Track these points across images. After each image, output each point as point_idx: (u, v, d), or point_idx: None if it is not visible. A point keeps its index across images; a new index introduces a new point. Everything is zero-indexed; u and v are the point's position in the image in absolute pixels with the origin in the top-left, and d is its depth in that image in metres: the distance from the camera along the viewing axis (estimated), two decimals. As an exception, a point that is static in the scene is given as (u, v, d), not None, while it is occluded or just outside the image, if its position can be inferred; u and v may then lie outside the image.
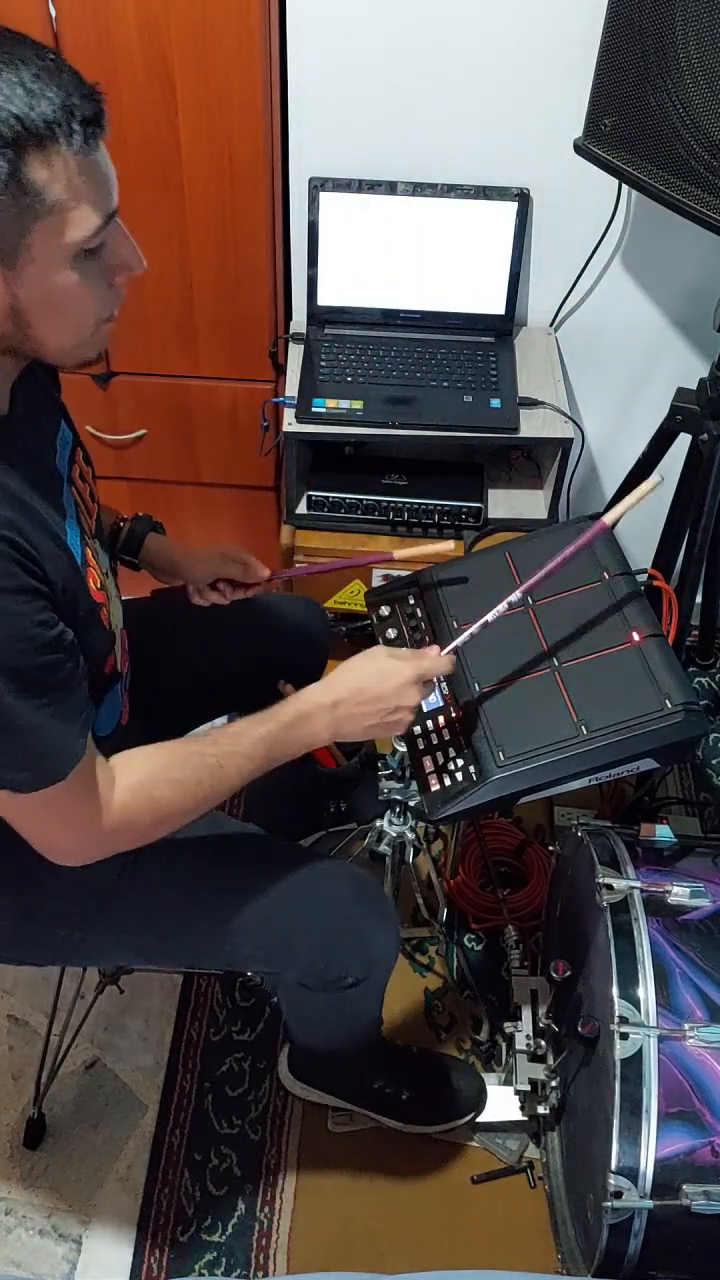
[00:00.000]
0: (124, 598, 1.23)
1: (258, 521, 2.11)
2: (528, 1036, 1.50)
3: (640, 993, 1.18)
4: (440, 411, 1.76)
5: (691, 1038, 1.16)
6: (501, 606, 1.22)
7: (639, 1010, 1.17)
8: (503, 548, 1.45)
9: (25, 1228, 1.49)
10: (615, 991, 1.18)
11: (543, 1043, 1.49)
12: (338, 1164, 1.53)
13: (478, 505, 1.84)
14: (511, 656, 1.31)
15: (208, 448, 2.01)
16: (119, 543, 1.36)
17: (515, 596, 1.23)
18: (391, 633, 1.40)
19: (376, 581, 1.87)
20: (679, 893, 1.26)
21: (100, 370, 1.90)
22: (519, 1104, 1.51)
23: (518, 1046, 1.49)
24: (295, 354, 1.85)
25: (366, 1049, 1.45)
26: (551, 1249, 1.41)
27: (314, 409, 1.75)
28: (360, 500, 1.85)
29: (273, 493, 2.07)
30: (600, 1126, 1.19)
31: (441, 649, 1.21)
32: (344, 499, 1.85)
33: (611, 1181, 1.12)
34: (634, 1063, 1.14)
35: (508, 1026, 1.53)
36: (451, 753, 1.25)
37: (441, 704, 1.31)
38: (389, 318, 1.86)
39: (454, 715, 1.29)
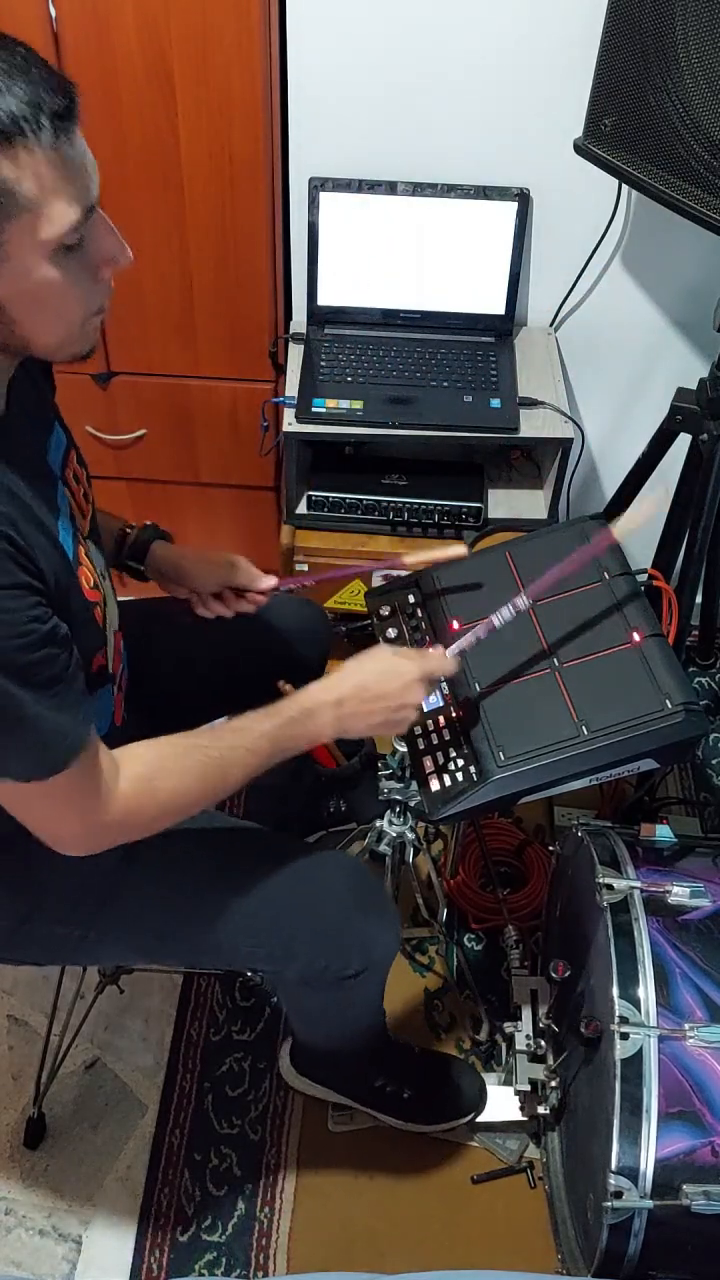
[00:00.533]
0: (125, 598, 1.23)
1: (258, 521, 2.11)
2: (528, 1036, 1.50)
3: (640, 993, 1.18)
4: (440, 411, 1.76)
5: (691, 1038, 1.16)
6: (507, 611, 1.22)
7: (639, 1010, 1.17)
8: (503, 548, 1.45)
9: (25, 1228, 1.49)
10: (615, 991, 1.18)
11: (543, 1043, 1.49)
12: (338, 1164, 1.53)
13: (478, 505, 1.84)
14: (512, 656, 1.31)
15: (208, 448, 2.01)
16: (125, 551, 1.35)
17: (522, 602, 1.23)
18: (392, 632, 1.40)
19: (377, 581, 1.87)
20: (679, 893, 1.26)
21: (100, 370, 1.90)
22: (519, 1104, 1.51)
23: (518, 1046, 1.49)
24: (295, 354, 1.85)
25: (368, 1045, 1.45)
26: (551, 1249, 1.41)
27: (314, 409, 1.75)
28: (360, 500, 1.85)
29: (273, 493, 2.07)
30: (600, 1126, 1.19)
31: (446, 649, 1.21)
32: (344, 499, 1.85)
33: (611, 1181, 1.12)
34: (634, 1063, 1.14)
35: (508, 1026, 1.53)
36: (452, 753, 1.25)
37: (442, 704, 1.31)
38: (389, 318, 1.86)
39: (454, 715, 1.29)
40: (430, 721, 1.29)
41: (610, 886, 1.26)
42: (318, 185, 1.74)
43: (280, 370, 1.88)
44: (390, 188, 1.74)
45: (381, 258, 1.80)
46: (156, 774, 1.03)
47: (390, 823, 1.54)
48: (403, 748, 1.36)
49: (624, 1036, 1.15)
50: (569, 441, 1.78)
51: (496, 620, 1.23)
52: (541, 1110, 1.45)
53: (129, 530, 1.36)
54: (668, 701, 1.22)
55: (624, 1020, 1.16)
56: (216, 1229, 1.49)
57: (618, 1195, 1.12)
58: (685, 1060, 1.15)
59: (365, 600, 1.48)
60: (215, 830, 1.25)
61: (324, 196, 1.74)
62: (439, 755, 1.26)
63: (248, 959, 1.25)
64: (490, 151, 1.71)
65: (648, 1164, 1.12)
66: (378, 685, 1.13)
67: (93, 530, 1.10)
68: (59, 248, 0.83)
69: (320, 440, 1.82)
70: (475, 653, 1.32)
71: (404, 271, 1.81)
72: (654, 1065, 1.14)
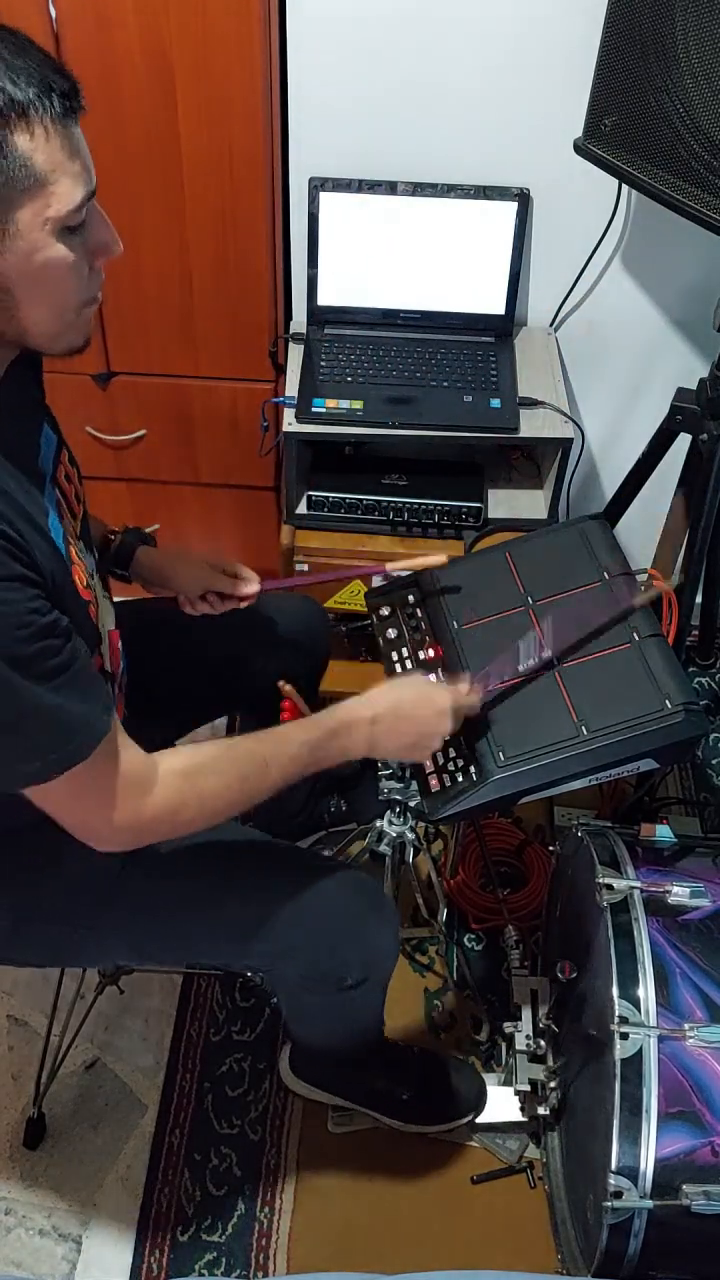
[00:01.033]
0: (126, 598, 1.23)
1: (258, 521, 2.11)
2: (528, 1036, 1.49)
3: (640, 993, 1.18)
4: (440, 411, 1.76)
5: (691, 1038, 1.16)
6: (533, 660, 1.25)
7: (639, 1010, 1.17)
8: (503, 548, 1.45)
9: (25, 1228, 1.49)
10: (615, 991, 1.18)
11: (543, 1043, 1.49)
12: (338, 1164, 1.53)
13: (478, 505, 1.84)
14: (511, 656, 1.31)
15: (208, 448, 2.01)
16: (109, 557, 1.35)
17: (549, 654, 1.25)
18: (391, 633, 1.40)
19: (376, 581, 1.87)
20: (679, 893, 1.26)
21: (100, 370, 1.90)
22: (519, 1104, 1.51)
23: (518, 1046, 1.49)
24: (295, 354, 1.85)
25: (367, 1049, 1.45)
26: (551, 1249, 1.41)
27: (314, 409, 1.75)
28: (360, 500, 1.84)
29: (273, 493, 2.07)
30: (600, 1126, 1.19)
31: (472, 678, 1.23)
32: (344, 499, 1.85)
33: (611, 1181, 1.12)
34: (634, 1063, 1.14)
35: (508, 1026, 1.53)
36: (451, 753, 1.25)
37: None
38: (389, 318, 1.86)
39: (454, 715, 1.29)
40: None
41: (610, 886, 1.26)
42: (318, 185, 1.74)
43: (280, 370, 1.88)
44: (390, 188, 1.73)
45: (381, 258, 1.80)
46: (198, 771, 1.03)
47: (390, 823, 1.54)
48: (405, 757, 1.36)
49: (624, 1036, 1.15)
50: (569, 441, 1.77)
51: (522, 667, 1.25)
52: (541, 1110, 1.45)
53: (112, 536, 1.36)
54: (668, 701, 1.22)
55: (624, 1020, 1.16)
56: (216, 1229, 1.49)
57: (618, 1195, 1.12)
58: (685, 1060, 1.15)
59: (365, 600, 1.48)
60: (215, 836, 1.25)
61: (324, 196, 1.74)
62: (439, 755, 1.26)
63: (247, 960, 1.26)
64: (490, 151, 1.71)
65: (648, 1164, 1.12)
66: (412, 709, 1.16)
67: (83, 530, 1.10)
68: (64, 227, 0.85)
69: (320, 440, 1.82)
70: (475, 653, 1.33)
71: (404, 271, 1.81)
72: (654, 1065, 1.14)
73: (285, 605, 1.54)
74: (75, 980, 1.66)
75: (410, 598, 1.43)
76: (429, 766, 1.26)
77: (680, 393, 1.55)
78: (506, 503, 1.90)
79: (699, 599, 1.92)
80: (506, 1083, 1.52)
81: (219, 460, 2.02)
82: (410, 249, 1.78)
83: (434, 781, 1.24)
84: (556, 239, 1.79)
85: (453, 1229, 1.48)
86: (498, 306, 1.85)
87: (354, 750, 1.14)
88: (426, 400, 1.77)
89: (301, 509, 1.87)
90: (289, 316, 1.91)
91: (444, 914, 1.77)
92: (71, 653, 0.93)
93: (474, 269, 1.81)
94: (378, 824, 1.56)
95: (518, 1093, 1.49)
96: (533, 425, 1.76)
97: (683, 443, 1.59)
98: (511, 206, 1.74)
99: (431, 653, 1.36)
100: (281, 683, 1.42)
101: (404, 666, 1.37)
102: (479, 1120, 1.53)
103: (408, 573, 1.45)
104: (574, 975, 1.35)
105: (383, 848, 1.56)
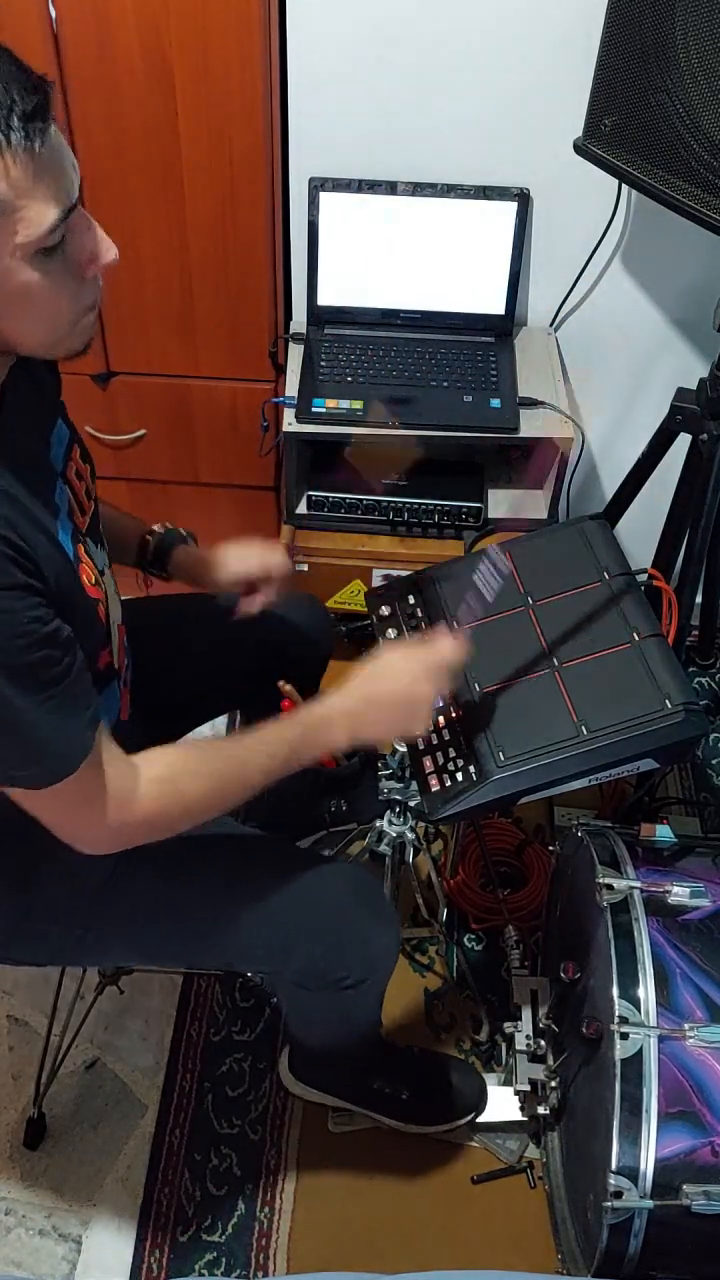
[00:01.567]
0: (127, 597, 1.23)
1: (258, 521, 2.11)
2: (528, 1036, 1.49)
3: (640, 993, 1.18)
4: (440, 411, 1.76)
5: (691, 1038, 1.16)
6: (493, 580, 1.21)
7: (639, 1010, 1.17)
8: (503, 548, 1.45)
9: (25, 1228, 1.49)
10: (615, 991, 1.18)
11: (543, 1043, 1.49)
12: (338, 1164, 1.53)
13: (478, 505, 1.84)
14: (511, 657, 1.31)
15: (208, 448, 2.01)
16: (149, 557, 1.36)
17: (502, 564, 1.22)
18: (392, 633, 1.40)
19: (376, 581, 1.87)
20: (679, 893, 1.26)
21: (100, 370, 1.90)
22: (519, 1104, 1.51)
23: (518, 1046, 1.49)
24: (295, 354, 1.85)
25: (366, 1049, 1.45)
26: (551, 1249, 1.41)
27: (314, 409, 1.75)
28: (360, 500, 1.85)
29: (273, 493, 2.07)
30: (600, 1126, 1.19)
31: (451, 628, 1.20)
32: (344, 499, 1.85)
33: (611, 1181, 1.12)
34: (634, 1063, 1.14)
35: (508, 1026, 1.53)
36: (451, 753, 1.25)
37: (441, 704, 1.31)
38: (389, 318, 1.86)
39: (454, 715, 1.29)
40: (430, 722, 1.30)
41: (610, 886, 1.26)
42: (318, 185, 1.74)
43: (280, 370, 1.88)
44: (390, 188, 1.74)
45: (381, 258, 1.80)
46: (179, 775, 1.03)
47: (390, 823, 1.54)
48: (403, 748, 1.36)
49: (624, 1036, 1.15)
50: (569, 441, 1.78)
51: (490, 596, 1.22)
52: (541, 1110, 1.45)
53: (149, 536, 1.36)
54: (668, 701, 1.22)
55: (624, 1020, 1.16)
56: (216, 1229, 1.49)
57: (618, 1195, 1.12)
58: (685, 1060, 1.15)
59: (365, 600, 1.48)
60: (215, 834, 1.25)
61: (324, 196, 1.74)
62: (439, 755, 1.26)
63: (246, 959, 1.25)
64: (490, 151, 1.71)
65: (648, 1164, 1.12)
66: (384, 690, 1.14)
67: (92, 527, 1.10)
68: (38, 250, 0.81)
69: (320, 440, 1.82)
70: (475, 653, 1.33)
71: (404, 271, 1.81)
72: (654, 1065, 1.14)
73: (288, 604, 1.54)
74: (75, 980, 1.66)
75: (410, 598, 1.43)
76: (429, 766, 1.26)
77: (680, 393, 1.55)
78: (506, 503, 1.90)
79: (699, 599, 1.92)
80: (506, 1083, 1.52)
81: (219, 460, 2.02)
82: (410, 249, 1.78)
83: (434, 781, 1.24)
84: (556, 239, 1.79)
85: (453, 1229, 1.48)
86: (498, 306, 1.85)
87: (337, 743, 1.13)
88: (426, 400, 1.77)
89: (301, 509, 1.87)
90: (289, 316, 1.91)
91: (444, 914, 1.77)
92: (69, 665, 0.93)
93: (474, 269, 1.81)
94: (378, 824, 1.56)
95: (518, 1093, 1.49)
96: (533, 425, 1.76)
97: (683, 443, 1.59)
98: (511, 206, 1.74)
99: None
100: (281, 683, 1.42)
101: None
102: (479, 1120, 1.53)
103: (407, 573, 1.45)
104: (577, 976, 1.35)
105: (383, 848, 1.56)
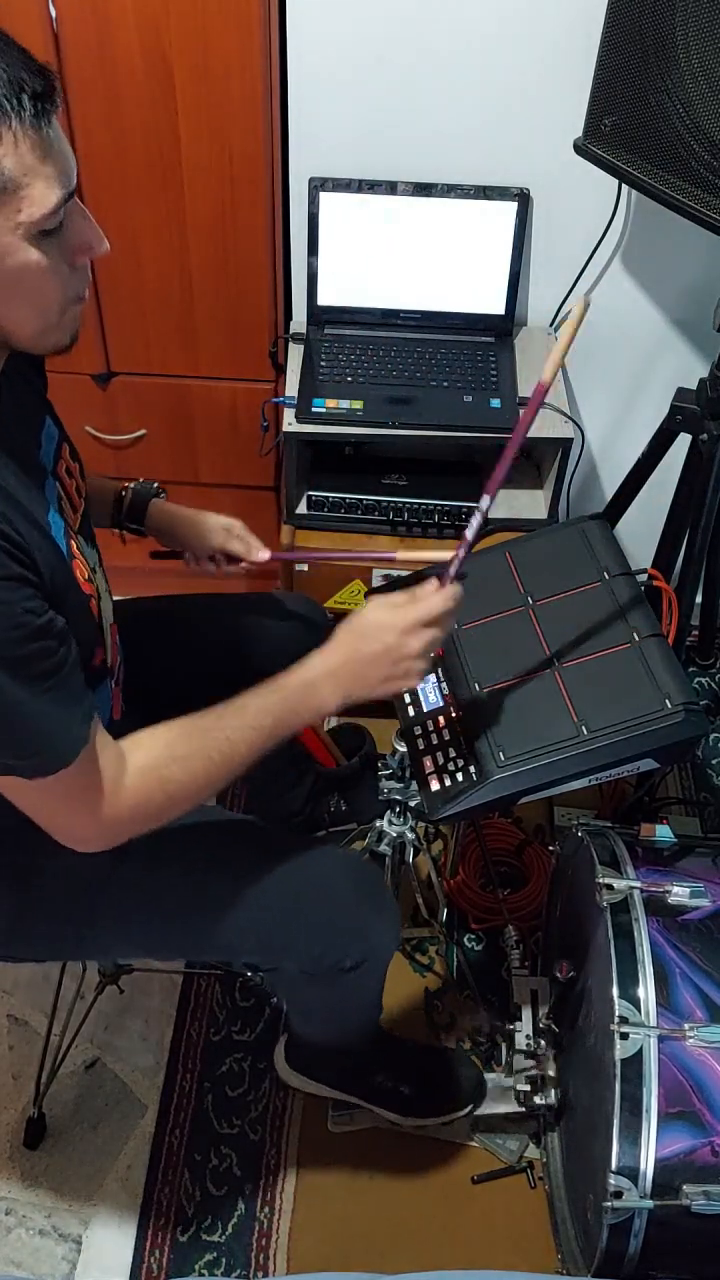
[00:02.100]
0: (124, 597, 1.23)
1: (258, 521, 2.08)
2: (528, 1036, 1.49)
3: (640, 993, 1.18)
4: (440, 411, 1.76)
5: (691, 1038, 1.16)
6: (477, 520, 1.19)
7: (639, 1010, 1.17)
8: (503, 548, 1.45)
9: (25, 1228, 1.49)
10: (615, 991, 1.18)
11: (543, 1042, 1.49)
12: (338, 1164, 1.53)
13: (477, 505, 1.84)
14: (511, 657, 1.31)
15: (208, 448, 2.01)
16: (124, 511, 1.36)
17: (484, 503, 1.20)
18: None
19: (376, 581, 1.87)
20: (679, 893, 1.26)
21: (100, 370, 1.90)
22: (519, 1103, 1.50)
23: (518, 1046, 1.49)
24: (295, 354, 1.85)
25: (366, 1040, 1.45)
26: (551, 1249, 1.41)
27: (314, 409, 1.75)
28: (360, 500, 1.85)
29: (273, 493, 2.07)
30: (600, 1126, 1.19)
31: (438, 578, 1.15)
32: (344, 499, 1.85)
33: (611, 1181, 1.11)
34: (634, 1063, 1.14)
35: (508, 1026, 1.53)
36: (451, 753, 1.25)
37: (441, 704, 1.31)
38: (389, 318, 1.86)
39: (454, 715, 1.29)
40: (430, 721, 1.29)
41: (610, 886, 1.26)
42: (318, 185, 1.74)
43: (280, 370, 1.88)
44: (390, 188, 1.74)
45: (381, 258, 1.80)
46: (163, 762, 1.03)
47: (390, 823, 1.54)
48: (403, 748, 1.36)
49: (624, 1036, 1.15)
50: (569, 441, 1.78)
51: (470, 533, 1.19)
52: (539, 1100, 1.44)
53: (124, 492, 1.36)
54: (668, 701, 1.22)
55: (624, 1020, 1.16)
56: (216, 1229, 1.49)
57: (618, 1195, 1.11)
58: (685, 1060, 1.15)
59: (365, 600, 1.48)
60: (210, 823, 1.25)
61: (324, 196, 1.74)
62: (439, 755, 1.26)
63: (246, 948, 1.25)
64: (490, 151, 1.71)
65: (648, 1164, 1.12)
66: (369, 645, 1.10)
67: (83, 525, 1.10)
68: (39, 231, 0.83)
69: (320, 440, 1.82)
70: (475, 653, 1.33)
71: (404, 271, 1.81)
72: (654, 1065, 1.14)
73: (286, 604, 1.54)
74: (75, 980, 1.67)
75: (410, 598, 1.42)
76: (429, 766, 1.26)
77: (680, 393, 1.55)
78: (506, 503, 1.90)
79: (699, 599, 1.92)
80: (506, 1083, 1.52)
81: (219, 460, 2.02)
82: (410, 249, 1.78)
83: (434, 781, 1.24)
84: (556, 239, 1.79)
85: (453, 1229, 1.48)
86: (498, 306, 1.85)
87: (325, 705, 1.11)
88: (426, 400, 1.77)
89: (301, 509, 1.87)
90: (289, 316, 1.91)
91: (444, 914, 1.77)
92: (64, 656, 0.93)
93: (474, 269, 1.81)
94: (378, 824, 1.56)
95: (518, 1092, 1.49)
96: (533, 425, 1.76)
97: (683, 443, 1.59)
98: (511, 206, 1.74)
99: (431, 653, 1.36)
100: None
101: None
102: (479, 1116, 1.53)
103: (407, 573, 1.45)
104: (571, 975, 1.35)
105: (383, 848, 1.56)
